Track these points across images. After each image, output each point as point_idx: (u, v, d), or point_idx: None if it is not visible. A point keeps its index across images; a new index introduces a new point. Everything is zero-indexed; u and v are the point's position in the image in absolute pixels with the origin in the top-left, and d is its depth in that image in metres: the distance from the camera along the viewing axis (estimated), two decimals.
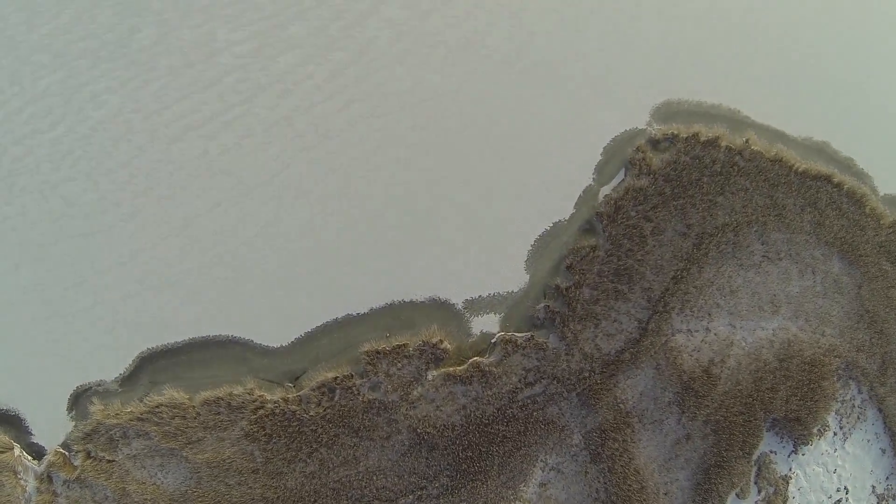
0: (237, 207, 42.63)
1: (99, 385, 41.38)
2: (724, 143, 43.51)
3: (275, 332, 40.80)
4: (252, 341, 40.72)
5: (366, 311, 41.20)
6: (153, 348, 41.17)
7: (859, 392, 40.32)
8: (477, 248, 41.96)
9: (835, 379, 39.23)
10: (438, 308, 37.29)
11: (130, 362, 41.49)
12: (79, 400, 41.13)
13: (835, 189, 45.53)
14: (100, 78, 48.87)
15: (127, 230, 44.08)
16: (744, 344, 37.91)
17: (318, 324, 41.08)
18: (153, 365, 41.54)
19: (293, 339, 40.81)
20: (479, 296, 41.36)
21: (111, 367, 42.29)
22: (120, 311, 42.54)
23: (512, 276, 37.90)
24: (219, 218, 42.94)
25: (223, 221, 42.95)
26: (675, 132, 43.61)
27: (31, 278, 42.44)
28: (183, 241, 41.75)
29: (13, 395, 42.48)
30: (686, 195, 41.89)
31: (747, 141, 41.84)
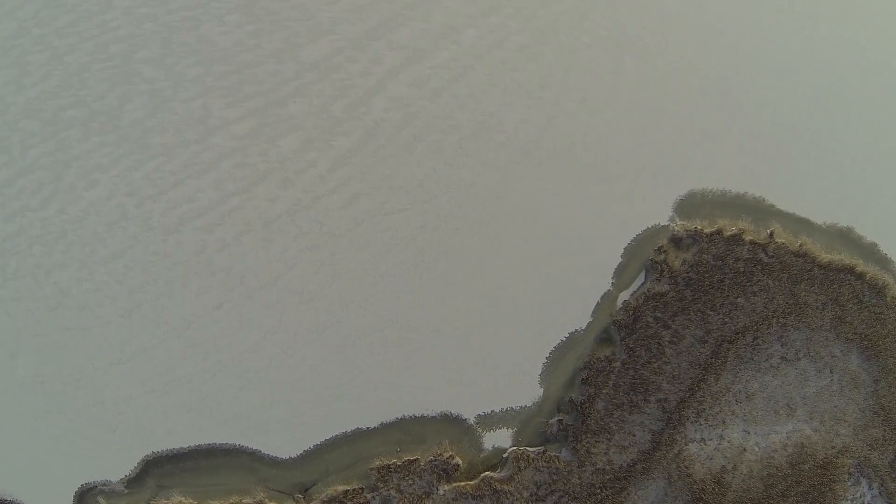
0: (239, 310, 40.39)
1: (105, 485, 39.15)
2: (748, 238, 42.08)
3: (283, 442, 39.67)
4: (260, 451, 39.03)
5: (376, 426, 38.75)
6: (158, 452, 40.16)
7: (869, 489, 37.42)
8: (490, 361, 39.52)
9: (846, 479, 34.41)
10: (450, 423, 33.39)
11: (136, 465, 39.24)
12: (84, 498, 38.95)
13: (857, 280, 43.39)
14: (91, 153, 43.90)
15: (125, 327, 40.47)
16: (757, 449, 34.03)
17: (328, 436, 39.23)
18: (159, 469, 39.03)
19: (302, 451, 38.59)
20: (492, 411, 39.17)
21: (116, 468, 39.43)
22: (122, 412, 39.77)
23: (526, 391, 34.24)
24: (221, 320, 40.50)
25: (225, 325, 40.28)
26: (699, 228, 41.61)
27: (30, 369, 39.73)
28: (184, 343, 40.72)
29: (15, 489, 39.58)
30: (707, 298, 41.18)
31: (771, 234, 42.83)
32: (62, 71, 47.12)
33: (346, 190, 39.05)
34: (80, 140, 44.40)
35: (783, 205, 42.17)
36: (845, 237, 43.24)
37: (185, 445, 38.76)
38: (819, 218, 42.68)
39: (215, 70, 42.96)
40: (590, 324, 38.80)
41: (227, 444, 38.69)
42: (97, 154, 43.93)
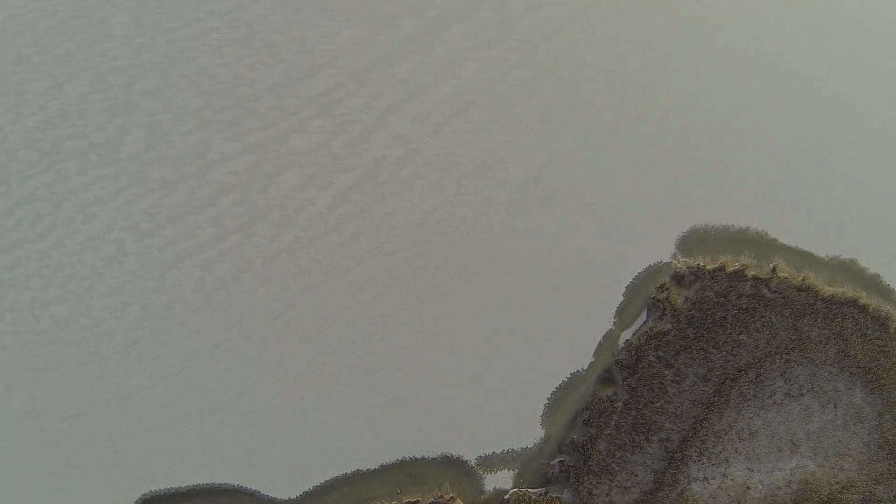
0: (238, 350, 39.80)
1: None
2: (750, 273, 41.27)
3: (282, 483, 38.92)
4: (259, 492, 38.30)
5: (376, 467, 37.85)
6: (156, 491, 38.55)
7: None
8: (492, 402, 38.64)
9: None
10: (451, 464, 32.55)
11: (133, 503, 38.51)
12: None
13: (860, 313, 42.47)
14: (89, 186, 43.23)
15: (123, 364, 39.76)
16: (760, 487, 33.65)
17: (328, 478, 38.33)
18: None
19: (302, 492, 37.75)
20: (493, 452, 38.38)
21: None
22: (119, 450, 39.15)
23: (527, 432, 33.62)
24: (219, 359, 39.87)
25: (224, 364, 39.61)
26: (701, 264, 40.68)
27: (26, 404, 39.13)
28: (182, 381, 37.11)
29: None
30: (710, 336, 40.41)
31: (774, 269, 42.28)
32: (61, 101, 46.32)
33: (346, 228, 38.24)
34: (78, 172, 43.64)
35: (786, 239, 41.34)
36: (848, 269, 42.47)
37: (184, 485, 38.50)
38: (821, 251, 41.88)
39: (214, 103, 42.12)
40: (591, 364, 38.06)
41: (226, 484, 38.29)
42: (95, 187, 43.14)
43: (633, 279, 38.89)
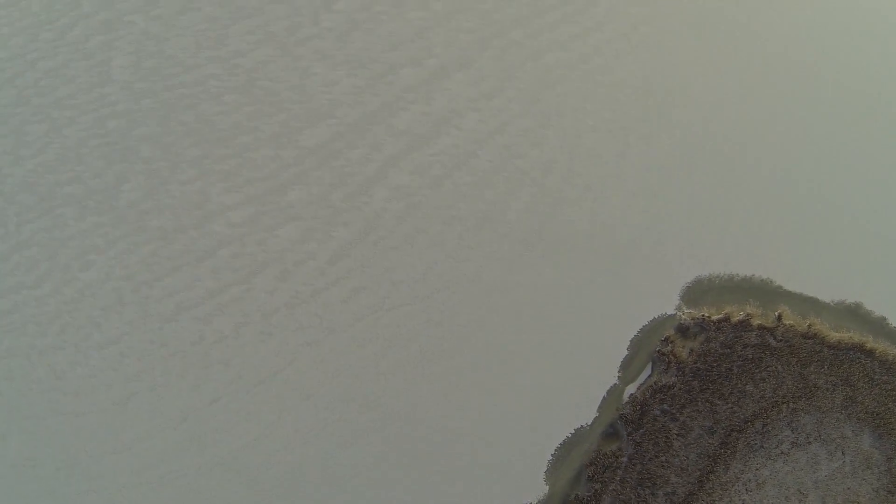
0: (237, 404, 38.65)
1: None
2: (756, 322, 40.24)
3: None
4: None
5: None
6: None
7: None
8: (495, 458, 37.38)
9: None
10: None
11: None
12: None
13: (867, 358, 40.91)
14: (86, 233, 42.18)
15: (120, 416, 38.47)
16: None
17: None
18: None
19: None
20: None
21: None
22: (116, 502, 37.39)
23: (531, 488, 32.21)
24: (218, 414, 38.78)
25: (223, 418, 38.29)
26: (706, 315, 39.59)
27: (21, 451, 37.95)
28: (180, 435, 35.59)
29: None
30: (715, 388, 39.28)
31: (779, 317, 40.75)
32: (60, 144, 45.30)
33: (347, 284, 37.23)
34: (75, 218, 42.62)
35: (791, 285, 40.36)
36: (854, 313, 41.47)
37: None
38: (827, 296, 40.85)
39: (213, 152, 41.08)
40: (596, 419, 37.07)
41: None
42: (93, 234, 42.11)
43: (638, 333, 37.78)
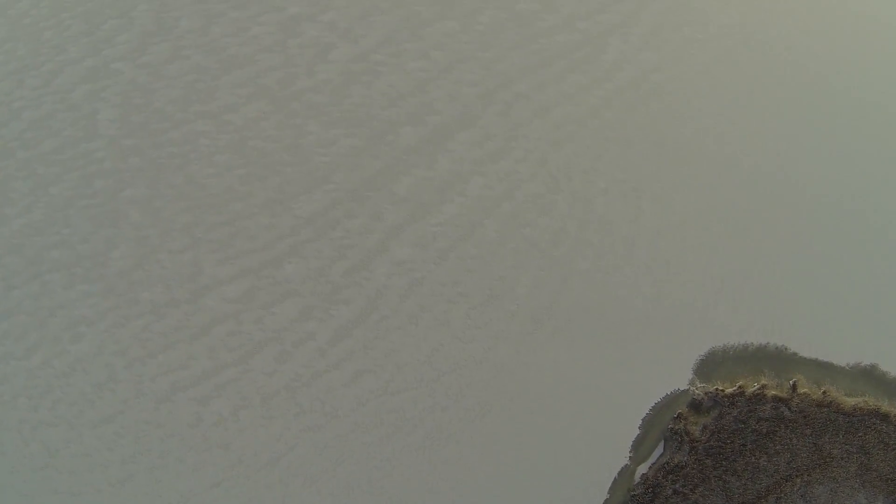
0: (238, 490, 33.44)
1: None
2: (770, 393, 35.21)
3: None
4: None
5: None
6: None
7: None
8: None
9: None
10: None
11: None
12: None
13: (882, 423, 36.14)
14: (75, 302, 36.45)
15: (117, 497, 33.43)
16: None
17: None
18: None
19: None
20: None
21: None
22: None
23: None
24: (219, 499, 33.42)
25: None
26: (719, 388, 34.73)
27: None
28: None
29: None
30: (728, 465, 34.62)
31: (794, 386, 35.58)
32: (46, 204, 39.55)
33: (349, 366, 32.32)
34: (64, 286, 37.30)
35: (805, 351, 35.84)
36: (869, 375, 37.10)
37: None
38: (842, 359, 36.34)
39: (205, 220, 35.62)
40: (606, 501, 33.04)
41: None
42: (82, 305, 36.83)
43: (650, 410, 33.02)
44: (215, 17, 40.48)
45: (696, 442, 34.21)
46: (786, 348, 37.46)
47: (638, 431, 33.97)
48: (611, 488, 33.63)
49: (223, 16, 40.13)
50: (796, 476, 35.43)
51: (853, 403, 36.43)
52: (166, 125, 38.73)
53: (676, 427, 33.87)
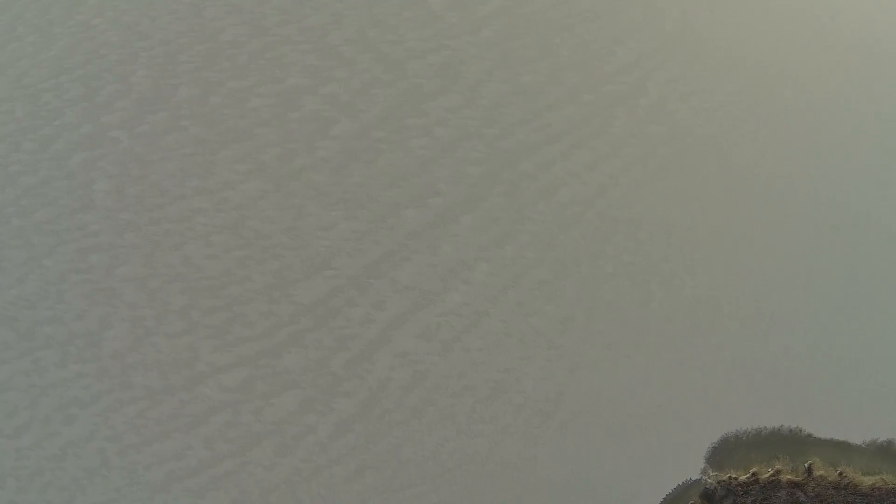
0: None
1: None
2: (785, 479, 31.87)
3: None
4: None
5: None
6: None
7: None
8: None
9: None
10: None
11: None
12: None
13: None
14: (68, 382, 33.66)
15: None
16: None
17: None
18: None
19: None
20: None
21: None
22: None
23: None
24: None
25: None
26: (733, 476, 31.33)
27: None
28: None
29: None
30: None
31: (809, 469, 32.15)
32: (39, 276, 36.82)
33: (350, 461, 29.78)
34: (57, 365, 34.69)
35: (820, 431, 33.44)
36: (885, 452, 34.89)
37: None
38: (858, 437, 34.11)
39: (202, 304, 33.03)
40: None
41: None
42: (75, 385, 34.20)
43: (661, 502, 30.56)
44: (214, 86, 37.97)
45: None
46: (800, 430, 35.78)
47: None
48: None
49: (222, 86, 37.62)
50: None
51: (871, 483, 35.96)
52: (163, 200, 36.20)
53: None
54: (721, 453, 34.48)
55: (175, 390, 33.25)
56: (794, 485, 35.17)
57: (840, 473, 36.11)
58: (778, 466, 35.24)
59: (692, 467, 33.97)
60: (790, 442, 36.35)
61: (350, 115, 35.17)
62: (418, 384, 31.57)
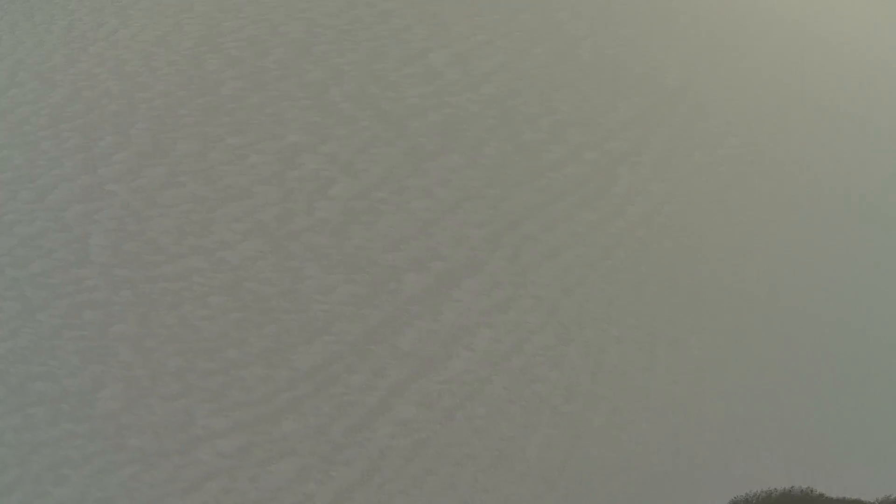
0: None
1: None
2: None
3: None
4: None
5: None
6: None
7: None
8: None
9: None
10: None
11: None
12: None
13: None
14: (60, 441, 31.53)
15: None
16: None
17: None
18: None
19: None
20: None
21: None
22: None
23: None
24: None
25: None
26: None
27: None
28: None
29: None
30: None
31: None
32: (32, 330, 35.81)
33: None
34: (48, 422, 33.31)
35: (833, 490, 31.87)
36: None
37: None
38: (871, 495, 32.44)
39: (198, 366, 31.99)
40: None
41: None
42: (66, 445, 32.83)
43: None
44: (213, 141, 37.38)
45: None
46: (811, 490, 34.13)
47: None
48: None
49: (221, 141, 37.02)
50: None
51: None
52: (159, 258, 35.32)
53: None
54: None
55: (170, 454, 32.13)
56: None
57: None
58: None
59: None
60: (802, 502, 35.05)
61: (350, 174, 34.47)
62: (419, 453, 30.54)
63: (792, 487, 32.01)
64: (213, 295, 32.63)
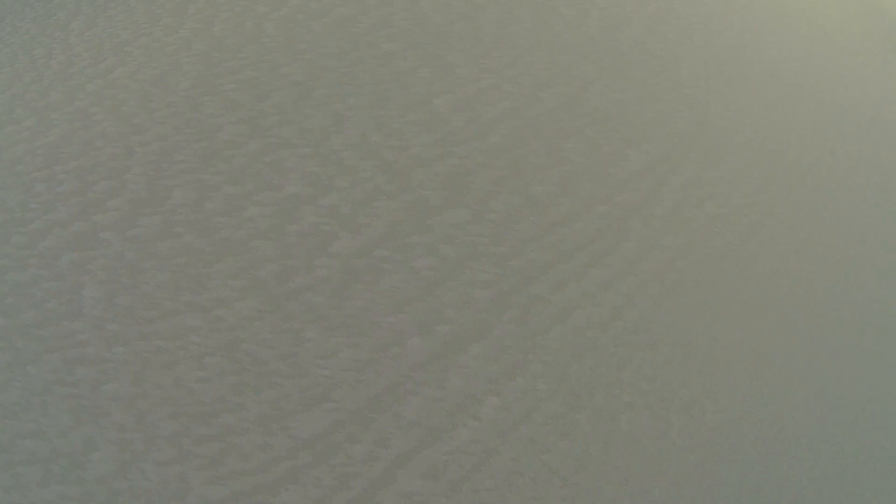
0: None
1: None
2: None
3: None
4: None
5: None
6: None
7: None
8: None
9: None
10: None
11: None
12: None
13: None
14: (51, 503, 21.92)
15: None
16: None
17: None
18: None
19: None
20: None
21: None
22: None
23: None
24: None
25: None
26: None
27: None
28: None
29: None
30: None
31: None
32: (23, 384, 32.66)
33: None
34: (39, 483, 30.39)
35: None
36: None
37: None
38: None
39: (194, 431, 29.42)
40: None
41: None
42: None
43: None
44: (209, 190, 35.42)
45: None
46: None
47: None
48: None
49: (218, 190, 35.08)
50: None
51: None
52: (154, 314, 33.50)
53: None
54: None
55: None
56: None
57: None
58: None
59: None
60: None
61: (351, 229, 32.64)
62: None
63: None
64: (209, 356, 30.76)
